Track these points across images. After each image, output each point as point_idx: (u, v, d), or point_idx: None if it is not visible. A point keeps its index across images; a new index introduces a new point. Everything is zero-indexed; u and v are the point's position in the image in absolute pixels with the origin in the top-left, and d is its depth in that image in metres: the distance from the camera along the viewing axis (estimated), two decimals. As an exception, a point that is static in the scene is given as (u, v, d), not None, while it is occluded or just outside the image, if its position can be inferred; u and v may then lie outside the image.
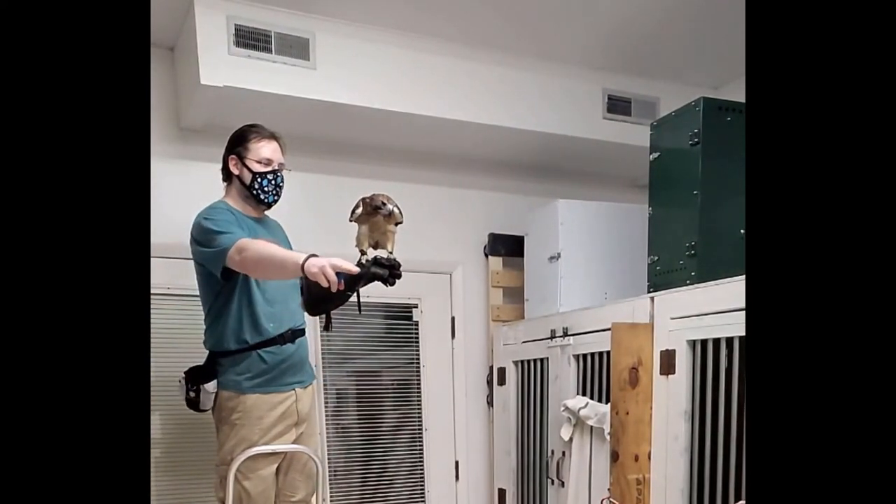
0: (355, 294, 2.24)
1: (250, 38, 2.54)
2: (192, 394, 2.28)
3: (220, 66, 2.50)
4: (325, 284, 1.91)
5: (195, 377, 2.29)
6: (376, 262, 2.15)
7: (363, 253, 2.26)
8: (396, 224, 2.32)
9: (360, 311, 2.30)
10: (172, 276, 2.61)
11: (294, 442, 2.33)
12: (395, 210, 2.28)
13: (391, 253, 2.22)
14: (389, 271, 2.15)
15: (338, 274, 1.91)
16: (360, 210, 2.30)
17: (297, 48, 2.61)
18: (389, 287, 2.19)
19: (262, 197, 2.28)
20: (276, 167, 2.29)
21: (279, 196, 2.31)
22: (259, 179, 2.26)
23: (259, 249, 2.05)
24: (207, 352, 2.34)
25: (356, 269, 1.98)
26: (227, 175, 2.30)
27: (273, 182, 2.28)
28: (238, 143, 2.28)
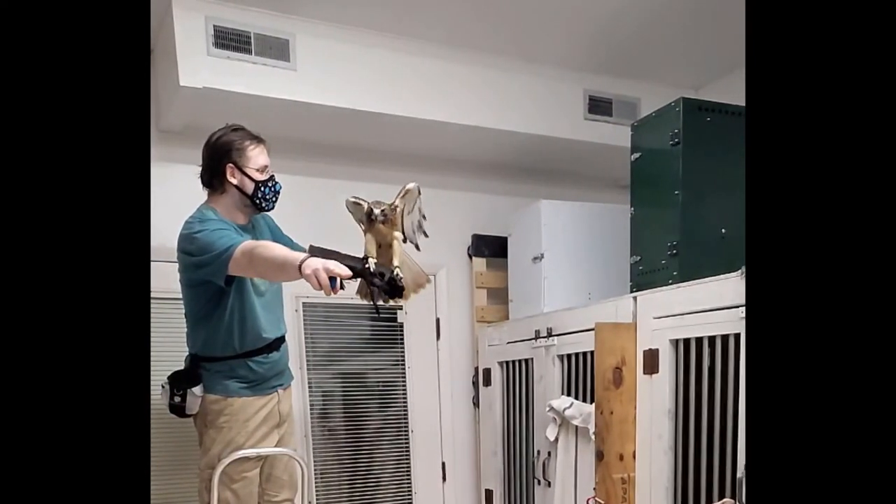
0: (370, 296, 2.19)
1: (229, 40, 2.51)
2: (177, 398, 2.24)
3: (200, 68, 2.47)
4: (316, 288, 1.88)
5: (179, 381, 2.25)
6: (387, 283, 2.11)
7: (367, 258, 2.20)
8: (406, 210, 2.27)
9: (377, 313, 2.28)
10: (153, 279, 2.57)
11: (277, 443, 2.32)
12: (389, 213, 2.22)
13: (398, 267, 2.20)
14: (390, 288, 2.13)
15: (331, 279, 1.87)
16: (361, 212, 2.26)
17: (277, 49, 2.59)
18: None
19: (263, 205, 2.25)
20: (271, 173, 2.26)
21: (276, 202, 2.29)
22: (262, 189, 2.22)
23: (263, 252, 2.00)
24: (188, 356, 2.32)
25: (349, 273, 1.93)
26: (220, 183, 2.21)
27: (273, 189, 2.25)
28: (233, 151, 2.20)
